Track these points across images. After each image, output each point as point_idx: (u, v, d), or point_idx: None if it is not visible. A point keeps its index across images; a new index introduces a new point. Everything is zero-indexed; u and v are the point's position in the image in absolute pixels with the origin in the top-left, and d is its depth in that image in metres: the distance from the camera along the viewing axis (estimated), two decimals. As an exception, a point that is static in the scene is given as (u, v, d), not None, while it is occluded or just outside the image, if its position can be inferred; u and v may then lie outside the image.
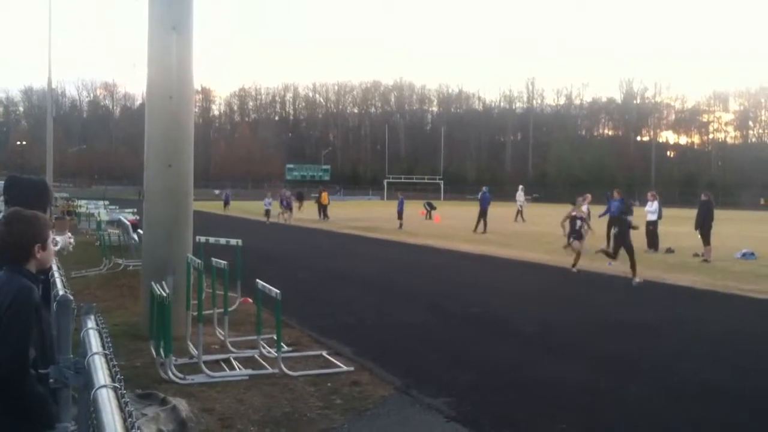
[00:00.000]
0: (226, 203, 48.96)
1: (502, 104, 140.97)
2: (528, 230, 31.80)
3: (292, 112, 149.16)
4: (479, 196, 31.14)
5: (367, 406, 6.30)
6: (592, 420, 6.08)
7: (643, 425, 5.96)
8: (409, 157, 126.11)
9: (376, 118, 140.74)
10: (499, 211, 42.20)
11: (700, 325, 10.63)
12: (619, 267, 17.27)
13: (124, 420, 2.11)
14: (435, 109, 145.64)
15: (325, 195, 40.95)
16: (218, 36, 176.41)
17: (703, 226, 19.51)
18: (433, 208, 42.36)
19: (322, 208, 40.12)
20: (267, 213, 37.77)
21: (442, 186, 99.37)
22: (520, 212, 39.92)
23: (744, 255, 19.88)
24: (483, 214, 29.75)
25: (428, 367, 7.76)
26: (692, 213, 21.06)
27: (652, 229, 21.88)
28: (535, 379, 7.37)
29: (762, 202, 78.78)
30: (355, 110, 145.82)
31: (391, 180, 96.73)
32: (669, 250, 21.15)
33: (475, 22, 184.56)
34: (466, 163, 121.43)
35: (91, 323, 3.10)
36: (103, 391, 2.25)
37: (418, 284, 14.78)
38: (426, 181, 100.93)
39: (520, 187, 42.51)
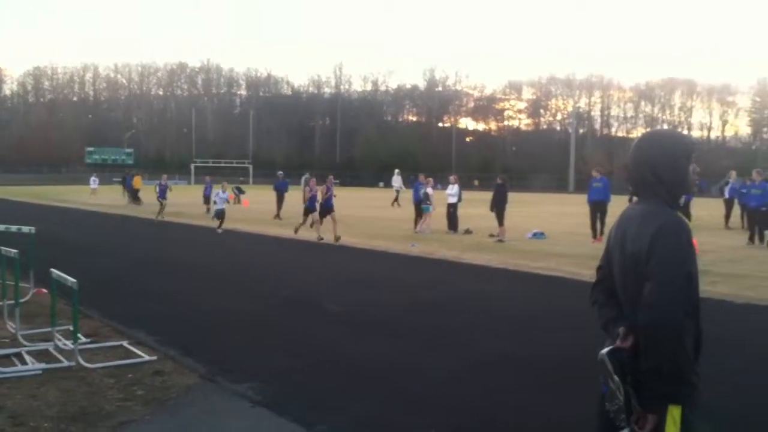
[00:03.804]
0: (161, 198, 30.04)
1: (310, 89, 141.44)
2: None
3: (92, 93, 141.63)
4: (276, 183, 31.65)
5: (170, 396, 6.17)
6: (397, 394, 6.33)
7: (445, 394, 6.29)
8: (217, 141, 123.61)
9: (183, 100, 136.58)
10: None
11: (495, 300, 11.33)
12: (424, 248, 18.05)
13: None
14: (243, 92, 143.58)
15: (138, 179, 40.62)
16: (9, 11, 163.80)
17: (498, 208, 20.66)
18: (241, 192, 41.93)
19: (134, 192, 39.65)
20: (219, 215, 23.58)
21: (251, 170, 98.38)
22: (396, 198, 40.04)
23: (534, 235, 21.35)
24: (279, 200, 30.14)
25: (235, 353, 7.72)
26: (489, 196, 22.18)
27: (452, 211, 22.98)
28: (342, 359, 7.55)
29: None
30: (160, 92, 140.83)
31: (198, 164, 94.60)
32: (467, 231, 22.31)
33: (282, 4, 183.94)
34: (276, 147, 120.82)
35: None
36: None
37: (228, 270, 14.61)
38: (235, 165, 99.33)
39: (396, 171, 42.48)
